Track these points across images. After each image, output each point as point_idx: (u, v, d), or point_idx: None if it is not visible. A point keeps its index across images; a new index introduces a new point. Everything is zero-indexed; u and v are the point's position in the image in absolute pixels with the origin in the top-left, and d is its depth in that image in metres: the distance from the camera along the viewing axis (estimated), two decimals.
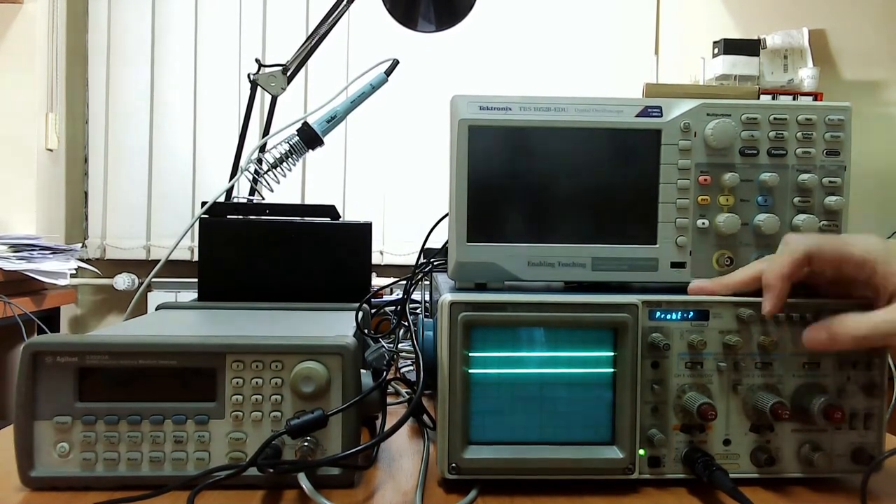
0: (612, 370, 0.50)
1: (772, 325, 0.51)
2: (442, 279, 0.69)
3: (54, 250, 2.12)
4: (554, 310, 0.50)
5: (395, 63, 0.98)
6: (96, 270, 2.42)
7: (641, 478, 0.51)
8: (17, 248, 1.99)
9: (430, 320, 0.53)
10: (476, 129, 0.53)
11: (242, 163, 0.96)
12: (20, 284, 2.02)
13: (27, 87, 2.44)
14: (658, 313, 0.51)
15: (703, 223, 0.54)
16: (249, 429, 0.49)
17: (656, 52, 2.78)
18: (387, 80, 0.98)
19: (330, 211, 0.91)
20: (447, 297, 0.49)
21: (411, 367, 0.87)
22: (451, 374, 0.49)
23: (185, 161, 2.65)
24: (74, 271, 2.22)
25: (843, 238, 0.50)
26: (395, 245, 2.68)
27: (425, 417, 0.60)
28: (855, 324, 0.47)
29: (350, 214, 2.67)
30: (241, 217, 0.90)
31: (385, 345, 0.79)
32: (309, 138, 0.96)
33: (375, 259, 2.62)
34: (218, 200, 0.91)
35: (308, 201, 2.60)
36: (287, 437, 0.48)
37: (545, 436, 0.50)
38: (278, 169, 0.96)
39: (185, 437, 0.49)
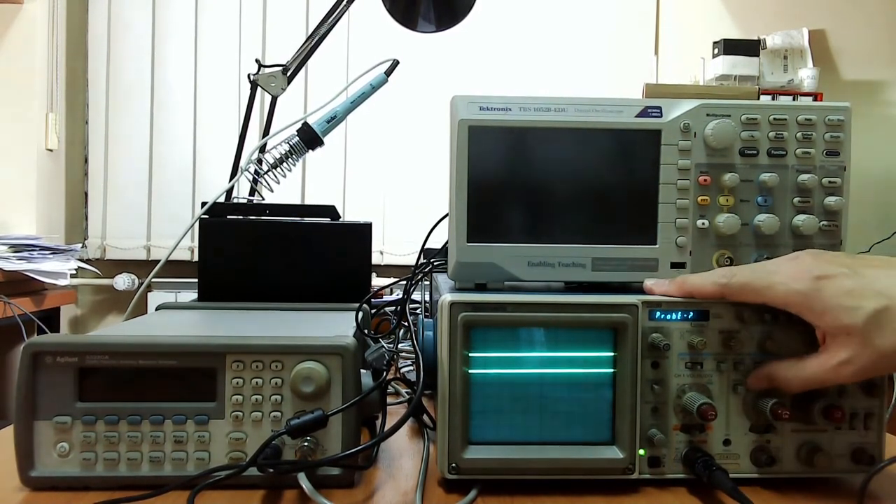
0: (612, 370, 0.50)
1: (772, 324, 0.51)
2: (442, 279, 0.69)
3: (54, 250, 2.12)
4: (554, 310, 0.50)
5: (395, 63, 0.98)
6: (96, 270, 2.42)
7: (641, 478, 0.51)
8: (17, 248, 2.00)
9: (430, 320, 0.53)
10: (476, 130, 0.53)
11: (242, 163, 0.96)
12: (20, 284, 2.02)
13: (27, 87, 2.44)
14: (658, 313, 0.51)
15: (703, 223, 0.54)
16: (249, 429, 0.49)
17: (656, 52, 2.78)
18: (387, 81, 0.98)
19: (330, 211, 0.91)
20: (447, 297, 0.49)
21: (411, 367, 0.87)
22: (451, 374, 0.49)
23: (185, 161, 2.65)
24: (74, 271, 2.22)
25: (770, 277, 0.48)
26: (395, 245, 2.68)
27: (425, 417, 0.60)
28: (787, 376, 0.49)
29: (350, 214, 2.67)
30: (241, 217, 0.90)
31: (385, 345, 0.79)
32: (309, 138, 0.96)
33: (375, 259, 2.63)
34: (218, 201, 0.91)
35: (308, 201, 2.60)
36: (287, 437, 0.48)
37: (545, 436, 0.50)
38: (278, 169, 0.96)
39: (185, 437, 0.49)
